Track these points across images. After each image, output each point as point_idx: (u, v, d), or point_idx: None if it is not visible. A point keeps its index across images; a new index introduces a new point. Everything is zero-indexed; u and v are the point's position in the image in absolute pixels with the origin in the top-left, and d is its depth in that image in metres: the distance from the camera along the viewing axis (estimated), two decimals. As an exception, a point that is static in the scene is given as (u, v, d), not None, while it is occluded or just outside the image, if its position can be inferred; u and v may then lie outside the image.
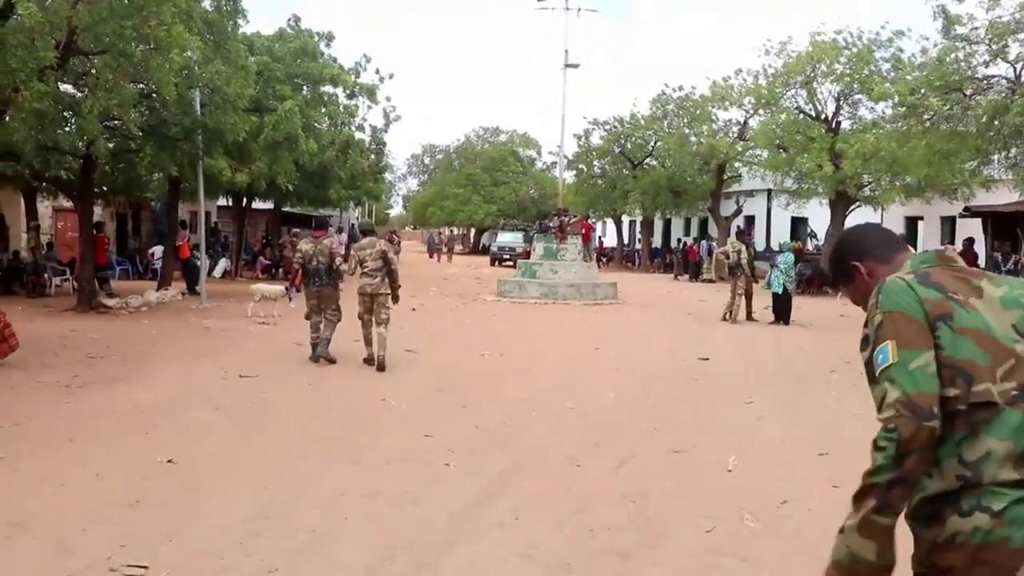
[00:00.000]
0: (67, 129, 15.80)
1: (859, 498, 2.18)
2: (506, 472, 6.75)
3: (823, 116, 30.57)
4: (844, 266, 2.61)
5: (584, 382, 10.98)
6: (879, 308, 2.30)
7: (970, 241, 22.53)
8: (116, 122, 17.93)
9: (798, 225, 42.23)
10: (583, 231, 29.92)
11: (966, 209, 23.76)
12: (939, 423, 2.11)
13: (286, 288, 12.61)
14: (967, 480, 2.14)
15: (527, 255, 30.20)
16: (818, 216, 38.11)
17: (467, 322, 18.27)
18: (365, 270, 11.59)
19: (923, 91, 18.34)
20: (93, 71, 14.76)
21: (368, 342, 11.74)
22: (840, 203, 29.90)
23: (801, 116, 30.97)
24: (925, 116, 18.75)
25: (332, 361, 11.77)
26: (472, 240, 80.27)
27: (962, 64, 18.11)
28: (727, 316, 18.64)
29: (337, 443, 7.52)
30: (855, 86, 29.57)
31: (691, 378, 11.46)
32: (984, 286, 2.33)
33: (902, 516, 2.21)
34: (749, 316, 18.95)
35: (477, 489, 6.29)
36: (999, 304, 2.30)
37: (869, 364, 2.29)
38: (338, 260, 12.02)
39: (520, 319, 19.21)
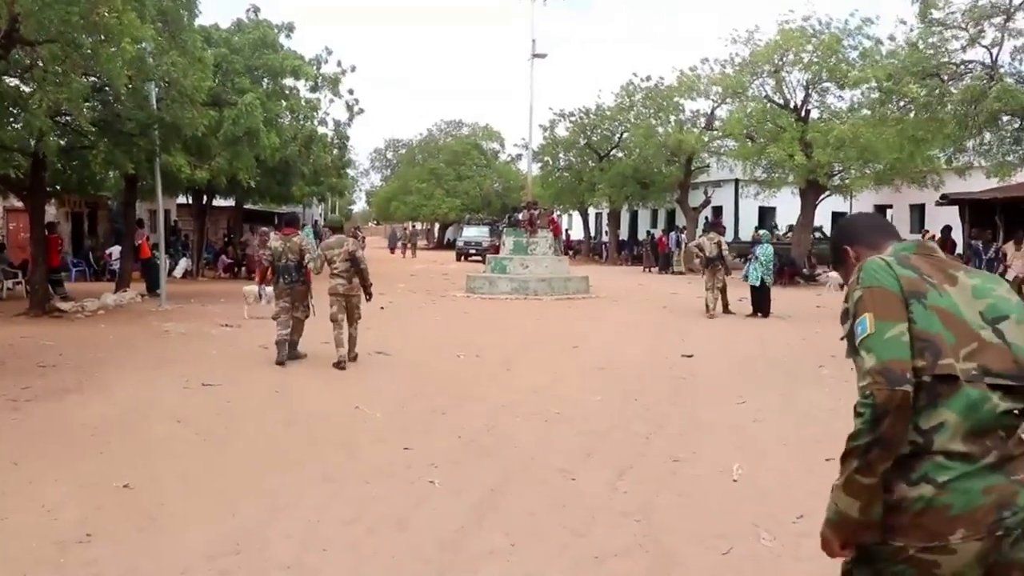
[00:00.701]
0: (13, 125, 14.98)
1: (844, 460, 2.35)
2: (496, 488, 6.21)
3: (792, 105, 30.28)
4: (838, 250, 2.85)
5: (567, 383, 10.46)
6: (859, 284, 2.48)
7: (948, 229, 22.30)
8: (67, 117, 17.13)
9: (766, 215, 42.11)
10: (551, 227, 29.40)
11: (943, 197, 23.55)
12: (912, 388, 2.26)
13: (257, 286, 12.30)
14: (918, 446, 2.31)
15: (495, 250, 29.65)
16: (786, 206, 37.96)
17: (438, 320, 17.70)
18: (334, 271, 11.38)
19: (901, 77, 18.00)
20: (40, 63, 13.96)
21: (339, 344, 11.40)
22: (811, 192, 29.69)
23: (770, 105, 30.69)
24: (902, 102, 18.42)
25: (302, 356, 11.87)
26: (436, 235, 79.54)
27: (939, 49, 17.79)
28: (710, 310, 18.21)
29: (310, 459, 6.94)
30: (824, 75, 29.33)
31: (678, 377, 10.99)
32: (959, 275, 2.51)
33: None
34: (726, 309, 18.56)
35: (466, 509, 5.75)
36: (971, 292, 2.47)
37: (850, 336, 2.45)
38: (307, 257, 11.73)
39: (493, 316, 18.67)
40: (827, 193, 30.90)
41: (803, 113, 30.02)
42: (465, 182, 68.65)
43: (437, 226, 78.89)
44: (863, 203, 35.42)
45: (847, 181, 30.52)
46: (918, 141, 18.98)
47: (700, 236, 19.92)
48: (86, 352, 12.55)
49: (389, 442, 7.48)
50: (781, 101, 30.51)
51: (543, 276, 23.79)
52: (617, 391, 9.98)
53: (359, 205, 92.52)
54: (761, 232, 19.61)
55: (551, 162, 47.65)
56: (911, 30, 18.90)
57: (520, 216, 26.38)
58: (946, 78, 17.83)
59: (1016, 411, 2.36)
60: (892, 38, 26.88)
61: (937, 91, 17.39)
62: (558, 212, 43.95)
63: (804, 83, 30.05)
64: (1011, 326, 2.43)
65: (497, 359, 12.34)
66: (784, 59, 29.33)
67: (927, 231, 30.04)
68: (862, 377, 2.34)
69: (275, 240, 12.11)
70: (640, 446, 7.51)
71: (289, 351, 11.66)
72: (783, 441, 7.71)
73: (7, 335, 14.33)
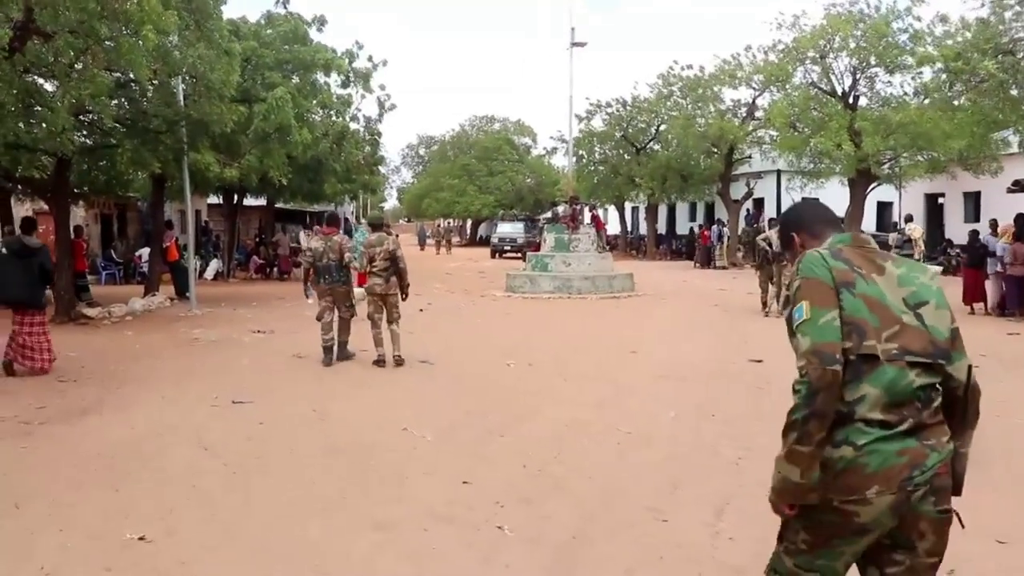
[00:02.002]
0: (35, 123, 14.16)
1: (785, 433, 2.67)
2: (578, 535, 5.24)
3: (839, 92, 29.00)
4: (786, 236, 3.12)
5: (633, 395, 9.45)
6: (798, 274, 2.83)
7: (1021, 218, 20.91)
8: (91, 116, 16.35)
9: (809, 207, 40.75)
10: (594, 223, 28.33)
11: (1015, 183, 22.16)
12: (842, 367, 2.61)
13: (304, 287, 12.06)
14: (842, 415, 2.63)
15: (531, 246, 28.57)
16: (831, 197, 36.61)
17: (480, 323, 16.75)
18: (374, 269, 11.34)
19: (970, 55, 16.79)
20: (62, 59, 13.14)
21: (378, 343, 11.39)
22: (860, 182, 28.40)
23: (816, 92, 29.44)
24: (972, 81, 17.20)
25: (351, 356, 11.76)
26: (469, 232, 78.63)
27: (1013, 24, 16.56)
28: (766, 308, 17.14)
29: (356, 497, 6.00)
30: (872, 59, 28.05)
31: (753, 386, 9.95)
32: (886, 265, 2.82)
33: None
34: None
35: (546, 564, 4.79)
36: (896, 281, 2.79)
37: (789, 321, 2.77)
38: (347, 256, 11.68)
39: (537, 317, 17.69)
40: (876, 183, 29.61)
41: (851, 100, 28.71)
42: (497, 178, 67.72)
43: (469, 223, 77.97)
44: (913, 192, 34.01)
45: (898, 170, 29.24)
46: (990, 123, 17.73)
47: (768, 230, 18.70)
48: (109, 364, 11.72)
49: (444, 473, 6.53)
50: (827, 88, 29.24)
51: (586, 274, 22.77)
52: (689, 404, 8.97)
53: (390, 202, 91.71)
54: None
55: (586, 156, 46.50)
56: (981, 5, 17.67)
57: (561, 211, 25.36)
58: (1021, 55, 16.58)
59: (933, 385, 2.69)
60: (944, 19, 25.68)
61: (1012, 68, 16.16)
62: (597, 209, 42.69)
63: (851, 69, 28.76)
64: (930, 311, 2.74)
65: (550, 367, 11.35)
66: (830, 44, 28.06)
67: (909, 218, 28.61)
68: (799, 358, 2.65)
69: (315, 240, 12.04)
70: (732, 474, 6.50)
71: (339, 351, 11.66)
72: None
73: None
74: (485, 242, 67.22)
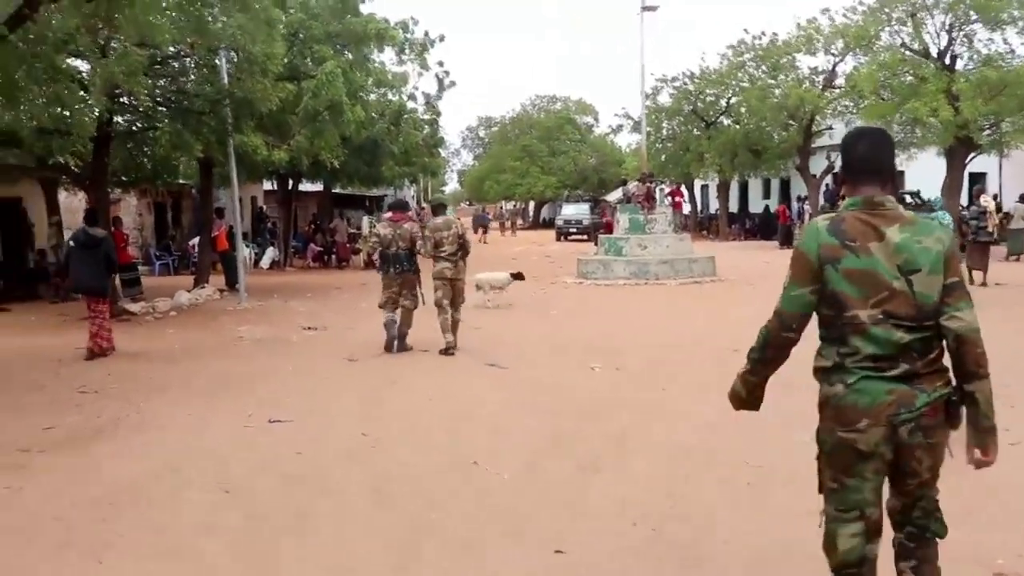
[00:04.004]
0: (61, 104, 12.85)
1: (746, 360, 3.40)
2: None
3: (935, 53, 26.64)
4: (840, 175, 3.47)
5: (751, 412, 7.77)
6: (796, 242, 3.27)
7: None
8: (131, 98, 15.10)
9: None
10: (673, 200, 26.49)
11: None
12: (796, 335, 3.20)
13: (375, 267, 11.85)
14: (837, 364, 3.10)
15: (608, 228, 26.78)
16: (920, 168, 34.27)
17: (554, 313, 15.14)
18: (442, 254, 10.95)
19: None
20: (83, 32, 11.79)
21: (445, 329, 10.96)
22: (959, 151, 26.02)
23: (907, 54, 27.11)
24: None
25: (409, 349, 11.20)
26: (532, 214, 76.95)
27: None
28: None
29: (420, 570, 4.47)
30: (972, 14, 25.64)
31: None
32: (888, 231, 3.04)
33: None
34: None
35: None
36: (893, 248, 3.03)
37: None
38: (419, 244, 11.17)
39: (616, 308, 16.03)
40: (977, 151, 27.22)
41: (947, 61, 26.36)
42: (560, 158, 65.91)
43: (532, 204, 76.25)
44: (1016, 163, 31.51)
45: (1000, 137, 26.80)
46: None
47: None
48: (141, 370, 10.40)
49: (529, 536, 4.95)
50: (919, 49, 26.90)
51: (664, 257, 21.00)
52: (822, 422, 7.27)
53: (451, 185, 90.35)
54: (933, 198, 16.39)
55: (653, 132, 44.46)
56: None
57: (634, 189, 23.61)
58: None
59: (927, 338, 3.04)
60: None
61: None
62: (669, 183, 40.39)
63: (947, 26, 26.36)
64: (921, 277, 3.02)
65: (643, 372, 9.71)
66: (923, 1, 25.73)
67: (981, 191, 24.69)
68: (773, 313, 3.21)
69: (384, 227, 11.54)
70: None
71: (398, 343, 11.17)
72: None
73: (63, 345, 12.35)
74: (548, 224, 65.57)
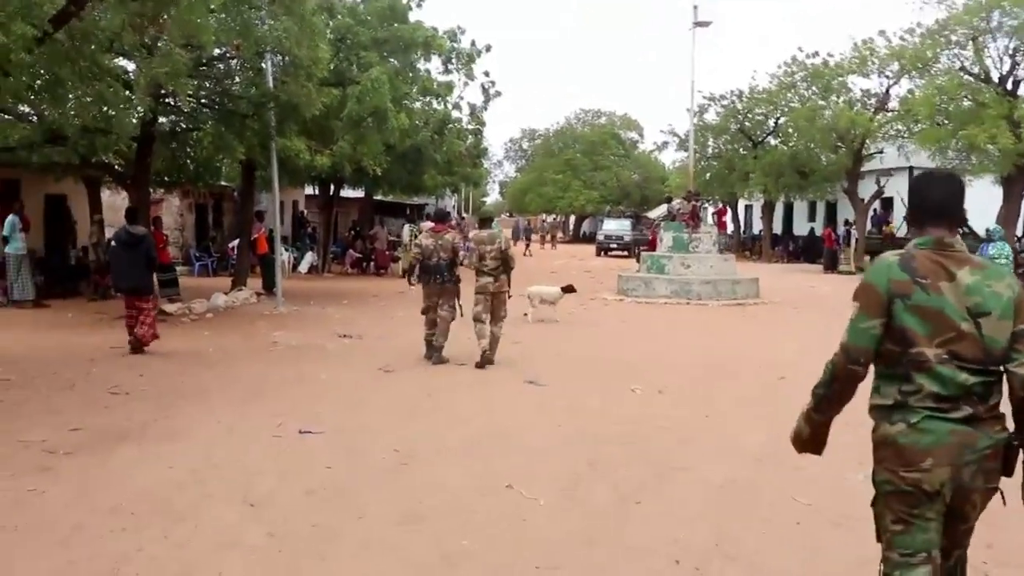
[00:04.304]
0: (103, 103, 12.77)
1: (810, 397, 3.29)
2: None
3: (996, 78, 26.04)
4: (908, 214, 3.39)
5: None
6: (864, 275, 3.22)
7: None
8: (175, 100, 15.03)
9: (945, 207, 37.50)
10: (719, 220, 26.04)
11: None
12: (863, 369, 3.08)
13: (409, 282, 11.91)
14: (899, 402, 3.03)
15: (651, 246, 26.42)
16: (980, 197, 33.47)
17: (594, 332, 14.84)
18: (484, 268, 10.85)
19: None
20: (127, 31, 11.69)
21: (481, 335, 10.82)
22: (1018, 179, 25.35)
23: (966, 78, 26.52)
24: None
25: (445, 361, 11.00)
26: (572, 228, 76.65)
27: None
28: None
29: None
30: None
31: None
32: (959, 273, 3.02)
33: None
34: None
35: None
36: (963, 290, 3.00)
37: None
38: (461, 254, 11.18)
39: (658, 327, 15.70)
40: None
41: (1009, 86, 25.75)
42: (602, 173, 65.64)
43: (573, 218, 75.94)
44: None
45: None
46: None
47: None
48: (173, 373, 10.23)
49: (566, 569, 4.66)
50: (979, 74, 26.32)
51: (707, 277, 20.62)
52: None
53: (492, 196, 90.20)
54: (992, 228, 15.89)
55: (698, 149, 44.01)
56: None
57: (678, 206, 23.23)
58: None
59: (991, 383, 3.01)
60: None
61: None
62: (713, 202, 39.83)
63: (1010, 51, 25.76)
64: (991, 321, 2.98)
65: (686, 396, 9.38)
66: (987, 23, 25.17)
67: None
68: (839, 346, 3.11)
69: (425, 237, 11.42)
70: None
71: (435, 356, 11.07)
72: None
73: (97, 344, 12.24)
74: (588, 239, 65.25)
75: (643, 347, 13.05)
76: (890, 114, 33.18)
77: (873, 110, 34.25)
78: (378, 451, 6.91)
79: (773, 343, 13.72)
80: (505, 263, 10.91)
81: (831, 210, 42.86)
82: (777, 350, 12.87)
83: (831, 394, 3.17)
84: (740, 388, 9.94)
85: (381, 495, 5.86)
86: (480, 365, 10.71)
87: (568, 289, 16.03)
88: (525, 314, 15.31)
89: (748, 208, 51.39)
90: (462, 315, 11.16)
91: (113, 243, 11.89)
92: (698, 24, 23.63)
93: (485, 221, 11.87)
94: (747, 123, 41.96)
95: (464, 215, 54.35)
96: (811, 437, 3.35)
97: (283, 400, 8.82)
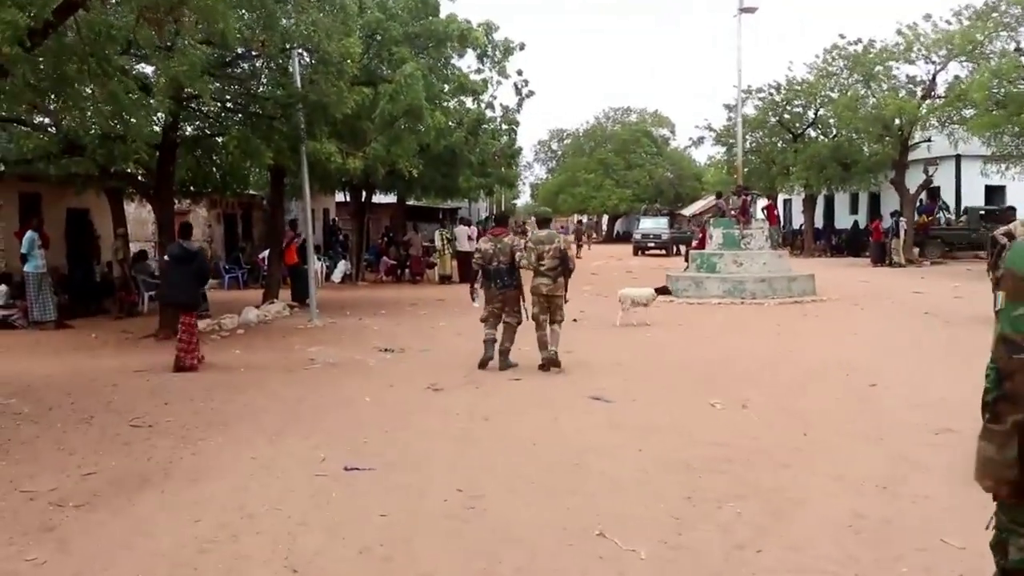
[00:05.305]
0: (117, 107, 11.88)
1: (982, 414, 2.92)
2: None
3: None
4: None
5: (923, 468, 6.32)
6: (1004, 263, 3.00)
7: None
8: (198, 104, 14.18)
9: (994, 195, 36.19)
10: (770, 215, 24.89)
11: None
12: None
13: (471, 290, 11.58)
14: None
15: (701, 243, 25.25)
16: (1018, 184, 32.14)
17: (650, 337, 13.80)
18: (541, 268, 10.61)
19: None
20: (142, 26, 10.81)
21: (543, 345, 10.63)
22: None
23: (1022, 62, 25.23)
24: None
25: (514, 365, 10.71)
26: (605, 228, 75.54)
27: None
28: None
29: None
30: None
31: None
32: None
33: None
34: None
35: None
36: None
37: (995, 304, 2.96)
38: (519, 256, 10.80)
39: (717, 330, 14.62)
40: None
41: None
42: (635, 171, 64.54)
43: (606, 218, 74.84)
44: None
45: None
46: None
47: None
48: (199, 398, 9.31)
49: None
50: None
51: (761, 275, 19.51)
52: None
53: (523, 199, 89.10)
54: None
55: (736, 144, 42.71)
56: None
57: (727, 203, 22.13)
58: None
59: None
60: None
61: None
62: (762, 195, 38.51)
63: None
64: None
65: (773, 412, 8.30)
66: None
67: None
68: (994, 343, 2.89)
69: (485, 241, 11.25)
70: None
71: (501, 360, 10.75)
72: None
73: (120, 367, 11.40)
74: (622, 238, 64.18)
75: (707, 353, 12.00)
76: (939, 101, 31.79)
77: (920, 96, 32.89)
78: (438, 491, 5.92)
79: (847, 344, 12.61)
80: (564, 264, 10.63)
81: (874, 201, 41.50)
82: (854, 352, 11.77)
83: (1006, 393, 2.85)
84: (830, 399, 8.86)
85: (449, 551, 4.87)
86: (544, 367, 10.55)
87: (662, 291, 15.36)
88: (575, 319, 14.30)
89: (787, 202, 50.07)
90: (527, 319, 10.83)
91: (166, 258, 12.15)
92: (744, 10, 22.53)
93: (544, 222, 11.59)
94: (786, 115, 40.66)
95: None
96: (1000, 453, 2.82)
97: (323, 428, 7.87)
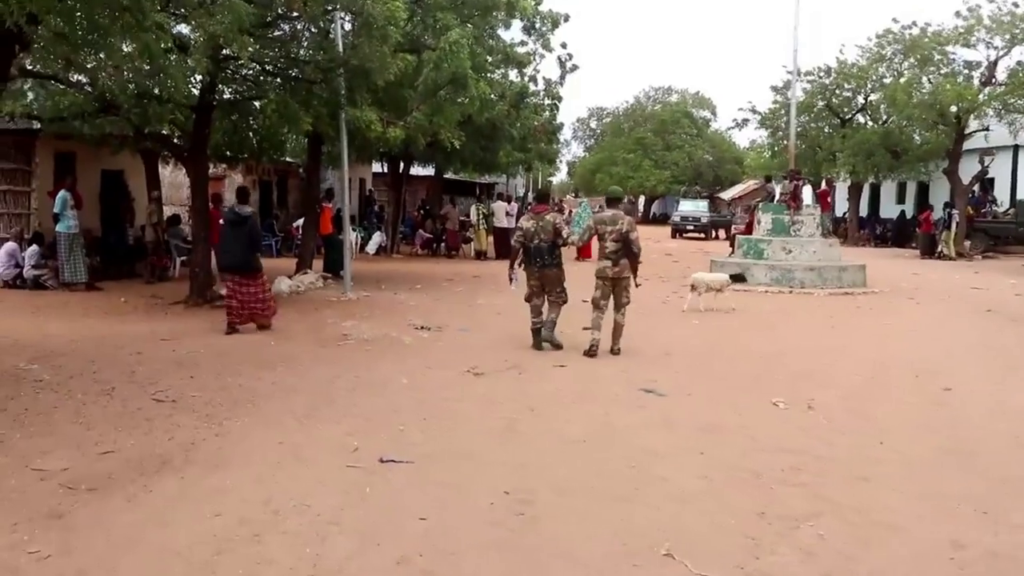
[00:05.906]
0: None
1: None
2: None
3: None
4: None
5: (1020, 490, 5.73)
6: None
7: None
8: (236, 67, 13.66)
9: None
10: (819, 201, 24.03)
11: None
12: None
13: (509, 271, 11.08)
14: None
15: (748, 228, 24.49)
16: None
17: (698, 324, 13.16)
18: (604, 250, 10.21)
19: None
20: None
21: (595, 327, 10.14)
22: None
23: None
24: None
25: (558, 347, 10.46)
26: (642, 209, 74.62)
27: None
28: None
29: None
30: None
31: None
32: None
33: None
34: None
35: None
36: None
37: None
38: (565, 232, 10.49)
39: (768, 320, 13.95)
40: None
41: None
42: (674, 152, 63.54)
43: (642, 199, 73.91)
44: None
45: None
46: None
47: None
48: (226, 373, 8.80)
49: None
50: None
51: (811, 264, 18.74)
52: None
53: (559, 176, 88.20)
54: None
55: (783, 128, 41.70)
56: None
57: (776, 187, 21.37)
58: None
59: None
60: None
61: None
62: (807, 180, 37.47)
63: None
64: None
65: (841, 413, 7.68)
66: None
67: None
68: None
69: (526, 219, 10.89)
70: None
71: (546, 333, 10.52)
72: None
73: (147, 335, 10.95)
74: (659, 220, 63.30)
75: (760, 345, 11.35)
76: (1000, 88, 30.64)
77: (980, 83, 31.74)
78: (483, 492, 5.36)
79: (909, 342, 11.91)
80: (627, 247, 10.10)
81: (923, 191, 40.35)
82: (918, 351, 11.07)
83: None
84: (901, 402, 8.20)
85: (497, 568, 4.31)
86: (588, 353, 10.03)
87: (737, 278, 15.20)
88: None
89: (833, 189, 48.93)
90: (568, 301, 10.69)
91: (221, 222, 12.30)
92: (802, -14, 21.65)
93: (612, 201, 10.77)
94: (834, 100, 39.57)
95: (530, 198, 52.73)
96: None
97: (357, 412, 7.34)
